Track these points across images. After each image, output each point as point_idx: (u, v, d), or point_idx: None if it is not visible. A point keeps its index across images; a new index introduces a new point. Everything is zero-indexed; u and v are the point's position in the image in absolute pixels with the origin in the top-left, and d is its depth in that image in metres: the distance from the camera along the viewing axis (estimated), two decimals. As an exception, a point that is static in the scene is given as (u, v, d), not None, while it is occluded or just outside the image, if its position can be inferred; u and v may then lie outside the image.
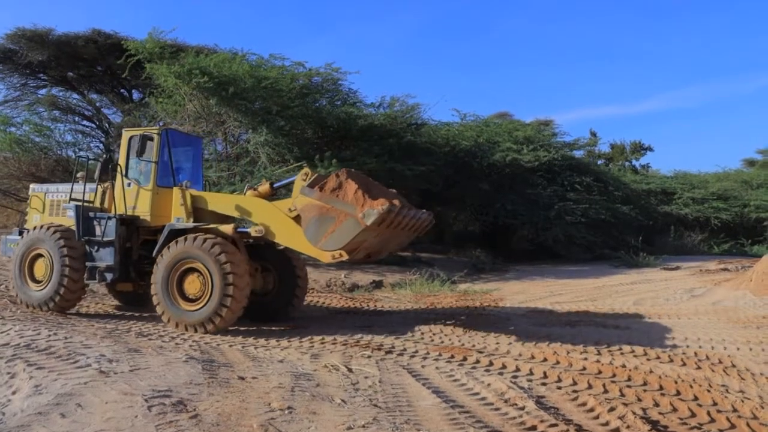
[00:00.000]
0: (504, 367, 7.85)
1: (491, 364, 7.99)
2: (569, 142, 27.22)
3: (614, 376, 7.56)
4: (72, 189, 11.28)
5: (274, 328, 10.52)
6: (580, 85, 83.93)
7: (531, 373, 7.59)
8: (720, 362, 8.44)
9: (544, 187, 23.12)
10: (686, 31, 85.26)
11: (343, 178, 9.47)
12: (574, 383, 7.18)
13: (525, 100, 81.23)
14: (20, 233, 11.78)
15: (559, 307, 12.79)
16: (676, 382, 7.30)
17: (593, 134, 35.85)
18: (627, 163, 34.83)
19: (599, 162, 33.79)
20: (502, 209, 21.99)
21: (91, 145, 26.08)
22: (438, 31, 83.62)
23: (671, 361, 8.42)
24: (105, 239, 10.77)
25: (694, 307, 13.24)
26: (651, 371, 7.81)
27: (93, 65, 26.92)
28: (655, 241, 26.23)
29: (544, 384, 7.17)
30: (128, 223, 10.90)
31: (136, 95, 27.95)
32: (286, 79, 19.65)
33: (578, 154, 29.22)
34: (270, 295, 11.38)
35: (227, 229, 10.22)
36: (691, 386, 7.16)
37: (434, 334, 9.87)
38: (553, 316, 11.81)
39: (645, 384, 7.27)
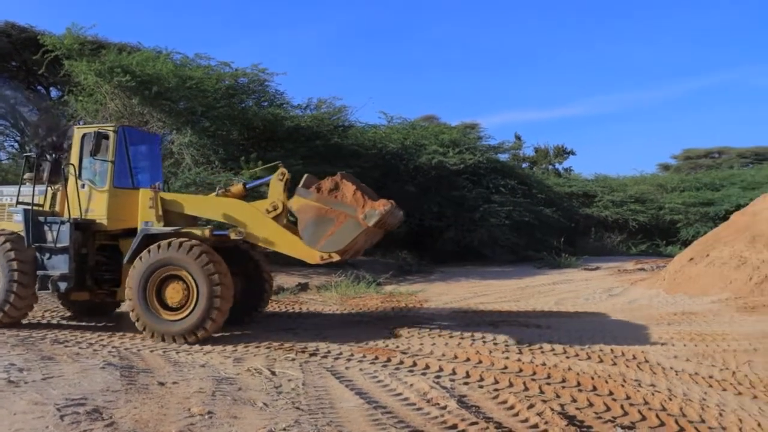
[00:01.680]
0: (427, 367, 7.93)
1: (415, 364, 8.06)
2: (494, 146, 27.78)
3: (534, 374, 7.74)
4: (19, 192, 10.54)
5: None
6: (505, 90, 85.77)
7: (454, 372, 7.69)
8: (634, 358, 8.75)
9: (470, 189, 23.46)
10: (608, 39, 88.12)
11: (338, 179, 9.41)
12: (496, 382, 7.32)
13: (451, 104, 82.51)
14: None
15: (483, 308, 13.00)
16: (592, 378, 7.53)
17: (518, 138, 36.67)
18: (550, 167, 35.70)
19: (523, 165, 34.53)
20: (428, 211, 22.20)
21: (5, 144, 25.05)
22: (364, 34, 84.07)
23: (589, 358, 8.68)
24: (58, 245, 9.99)
25: (612, 305, 13.68)
26: (570, 368, 8.02)
27: (6, 60, 25.76)
28: (577, 243, 26.98)
29: (466, 383, 7.27)
30: (83, 228, 10.16)
31: (54, 93, 26.94)
32: (211, 80, 19.34)
33: (503, 157, 29.80)
34: (236, 299, 10.23)
35: (204, 232, 9.86)
36: (607, 382, 7.40)
37: (359, 336, 9.88)
38: (476, 316, 11.99)
39: (564, 381, 7.46)
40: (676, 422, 6.14)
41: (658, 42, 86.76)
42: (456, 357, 8.50)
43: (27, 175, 10.97)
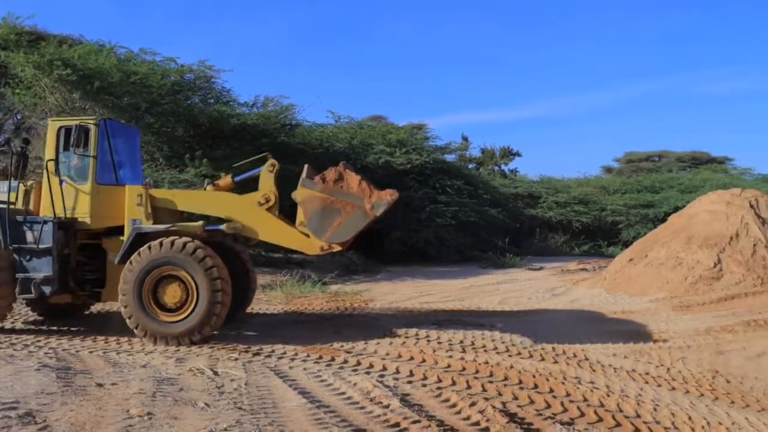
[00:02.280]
0: (371, 366, 7.94)
1: (359, 363, 8.06)
2: (441, 146, 27.94)
3: (477, 372, 7.82)
4: None
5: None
6: (453, 91, 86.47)
7: (397, 371, 7.72)
8: (575, 356, 8.93)
9: (416, 189, 23.56)
10: (555, 42, 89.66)
11: (341, 169, 9.36)
12: (439, 380, 7.37)
13: (399, 104, 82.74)
14: None
15: (428, 307, 13.09)
16: (534, 376, 7.66)
17: (465, 139, 36.98)
18: (496, 168, 36.12)
19: (470, 166, 34.81)
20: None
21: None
22: (313, 32, 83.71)
23: (531, 356, 8.82)
24: (41, 247, 9.41)
25: (555, 305, 13.93)
26: (512, 367, 8.13)
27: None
28: (522, 243, 27.37)
29: (410, 382, 7.31)
30: (65, 227, 9.65)
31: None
32: (156, 75, 18.97)
33: (450, 157, 30.01)
34: None
35: (195, 227, 9.54)
36: (548, 379, 7.54)
37: (303, 335, 9.83)
38: (421, 315, 12.07)
39: (506, 379, 7.57)
40: (613, 417, 6.30)
41: (604, 46, 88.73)
42: (400, 356, 8.53)
43: None
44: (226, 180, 10.30)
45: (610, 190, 32.51)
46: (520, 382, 7.44)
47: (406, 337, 9.76)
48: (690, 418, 6.42)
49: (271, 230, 9.66)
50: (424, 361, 8.31)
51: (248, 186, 10.18)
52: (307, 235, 9.40)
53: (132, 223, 9.55)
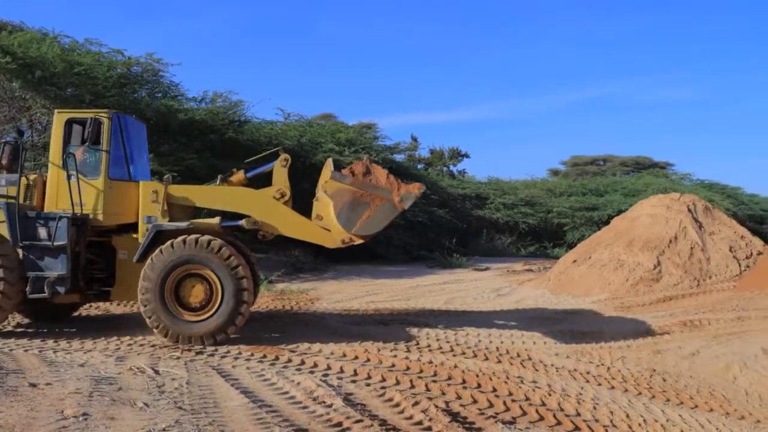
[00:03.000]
0: (315, 365, 7.89)
1: (303, 362, 8.01)
2: (390, 146, 27.96)
3: (421, 371, 7.85)
4: None
5: (79, 329, 9.86)
6: (404, 91, 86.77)
7: (341, 371, 7.69)
8: (518, 356, 9.04)
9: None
10: (507, 45, 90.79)
11: (368, 163, 9.46)
12: (383, 380, 7.37)
13: (350, 103, 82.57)
14: None
15: (374, 306, 13.08)
16: (477, 376, 7.72)
17: (414, 139, 37.11)
18: (445, 168, 36.30)
19: (419, 166, 34.90)
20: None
21: None
22: (264, 29, 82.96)
23: (475, 356, 8.89)
24: (56, 244, 8.98)
25: (500, 305, 14.07)
26: (456, 366, 8.19)
27: None
28: (469, 243, 27.59)
29: (354, 381, 7.29)
30: (78, 224, 9.24)
31: None
32: (102, 67, 18.43)
33: (399, 158, 30.04)
34: None
35: (212, 223, 9.47)
36: (491, 379, 7.61)
37: (247, 334, 9.71)
38: (367, 315, 12.06)
39: (450, 378, 7.61)
40: (554, 416, 6.41)
41: (553, 50, 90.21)
42: (344, 355, 8.50)
43: None
44: (238, 175, 10.21)
45: (556, 193, 33.00)
46: (464, 381, 7.49)
47: (340, 336, 9.74)
48: (628, 416, 6.58)
49: (291, 224, 9.67)
50: (368, 360, 8.30)
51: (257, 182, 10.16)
52: (328, 229, 9.46)
53: (147, 220, 9.35)
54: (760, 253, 16.57)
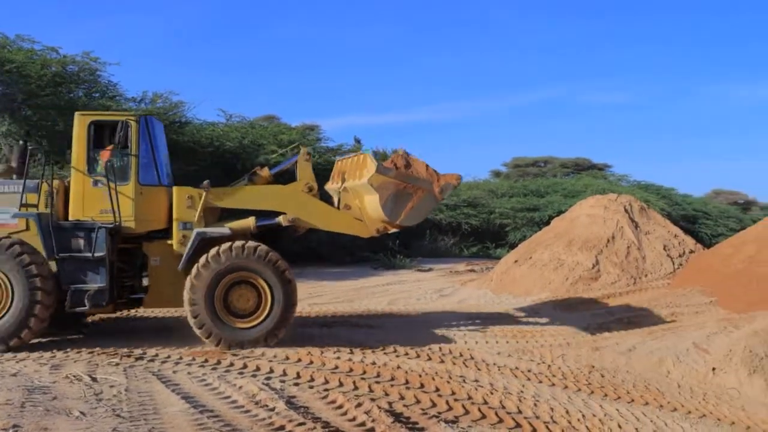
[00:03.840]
0: (258, 369, 7.82)
1: (245, 366, 7.92)
2: (333, 148, 27.77)
3: (364, 373, 7.85)
4: (24, 189, 8.92)
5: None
6: (346, 92, 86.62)
7: (284, 374, 7.64)
8: (461, 355, 9.13)
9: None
10: (447, 47, 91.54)
11: (406, 156, 9.67)
12: (326, 382, 7.35)
13: (293, 104, 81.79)
14: None
15: (318, 309, 13.03)
16: (420, 376, 7.77)
17: (357, 141, 36.90)
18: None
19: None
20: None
21: None
22: (204, 30, 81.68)
23: (418, 356, 8.94)
24: (96, 255, 8.73)
25: (442, 305, 14.19)
26: (399, 367, 8.22)
27: None
28: (412, 245, 27.66)
29: (296, 384, 7.25)
30: (113, 233, 8.96)
31: None
32: (35, 65, 17.85)
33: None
34: None
35: (248, 223, 9.44)
36: (434, 379, 7.67)
37: (189, 338, 9.53)
38: (310, 317, 12.00)
39: (393, 379, 7.64)
40: (496, 414, 6.50)
41: (496, 53, 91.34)
42: (287, 358, 8.44)
43: (0, 167, 9.37)
44: (264, 173, 10.17)
45: (498, 194, 33.38)
46: (407, 381, 7.53)
47: (282, 338, 9.67)
48: (567, 412, 6.72)
49: (326, 217, 9.90)
50: (311, 362, 8.26)
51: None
52: (360, 220, 9.79)
53: (182, 226, 9.21)
54: (692, 252, 17.13)
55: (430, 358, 8.84)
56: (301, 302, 13.76)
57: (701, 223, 31.23)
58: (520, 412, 6.67)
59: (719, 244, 18.76)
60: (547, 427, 6.24)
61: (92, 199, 8.97)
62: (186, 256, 8.98)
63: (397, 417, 6.14)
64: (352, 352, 8.92)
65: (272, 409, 6.14)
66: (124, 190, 9.02)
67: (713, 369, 8.46)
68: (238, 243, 8.96)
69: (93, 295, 8.75)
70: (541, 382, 7.96)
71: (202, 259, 8.83)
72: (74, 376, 7.23)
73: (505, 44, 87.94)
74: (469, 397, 7.05)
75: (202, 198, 9.31)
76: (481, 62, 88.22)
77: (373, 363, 8.35)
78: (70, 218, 9.00)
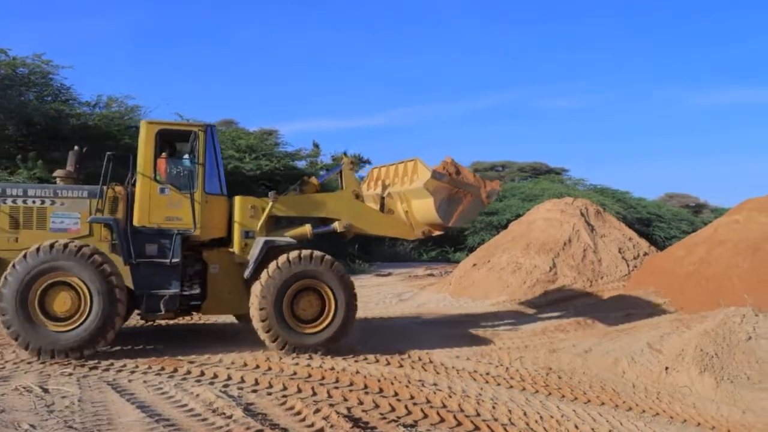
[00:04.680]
0: (215, 376, 7.72)
1: (203, 374, 7.82)
2: (291, 153, 27.75)
3: (323, 378, 7.82)
4: (103, 195, 8.93)
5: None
6: (305, 97, 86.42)
7: (242, 380, 7.56)
8: (420, 359, 9.17)
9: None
10: (405, 51, 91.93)
11: (455, 164, 10.34)
12: (284, 388, 7.30)
13: (251, 109, 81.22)
14: None
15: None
16: (379, 381, 7.77)
17: (316, 145, 36.86)
18: (352, 174, 36.35)
19: (321, 173, 34.85)
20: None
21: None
22: (161, 34, 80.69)
23: (377, 361, 8.94)
24: (173, 261, 8.93)
25: (402, 309, 14.23)
26: (358, 372, 8.21)
27: None
28: (371, 249, 27.68)
29: (254, 391, 7.18)
30: (184, 240, 9.12)
31: None
32: (-18, 67, 17.52)
33: (301, 164, 29.86)
34: None
35: (305, 230, 9.92)
36: (393, 383, 7.68)
37: (145, 347, 9.39)
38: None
39: (352, 384, 7.62)
40: (455, 417, 6.52)
41: (454, 57, 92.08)
42: (246, 364, 8.36)
43: (62, 172, 9.38)
44: (313, 181, 10.49)
45: (457, 198, 33.61)
46: (366, 386, 7.52)
47: (242, 345, 9.59)
48: (525, 414, 6.79)
49: (376, 222, 10.44)
50: (270, 369, 8.20)
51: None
52: (408, 223, 10.43)
53: (245, 235, 9.41)
54: (646, 254, 17.47)
55: (389, 363, 8.86)
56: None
57: (655, 225, 31.85)
58: (478, 414, 6.72)
59: (672, 246, 19.16)
60: (505, 429, 6.29)
61: (158, 206, 9.03)
62: (254, 264, 9.15)
63: (356, 422, 6.13)
64: (311, 358, 8.88)
65: (230, 417, 6.07)
66: (189, 198, 9.13)
67: (666, 368, 8.64)
68: (306, 251, 9.27)
69: (168, 301, 8.93)
70: (499, 384, 8.03)
71: (272, 266, 9.08)
72: (24, 388, 7.01)
73: (462, 49, 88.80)
74: (428, 401, 7.07)
75: (268, 208, 9.54)
76: (439, 67, 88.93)
77: (332, 368, 8.33)
78: (135, 224, 9.00)
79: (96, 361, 8.40)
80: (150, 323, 11.03)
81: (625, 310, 13.15)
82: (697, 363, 8.42)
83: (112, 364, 8.31)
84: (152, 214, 9.00)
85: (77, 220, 8.95)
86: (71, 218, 8.95)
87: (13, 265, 8.26)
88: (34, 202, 8.86)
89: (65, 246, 8.37)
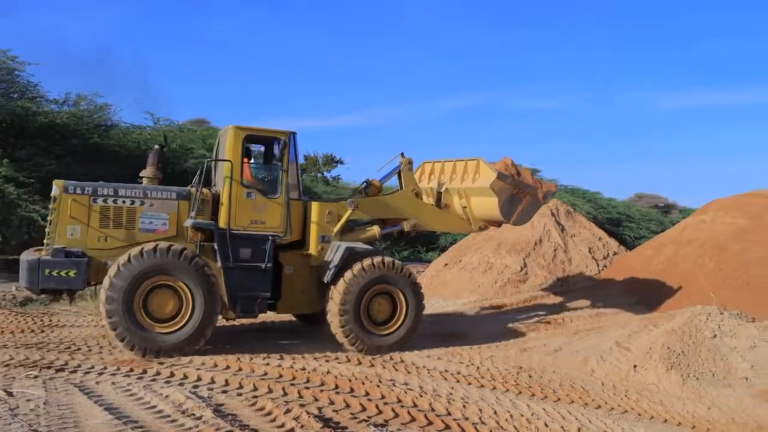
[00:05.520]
0: (185, 377, 7.65)
1: (172, 375, 7.74)
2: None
3: (294, 379, 7.80)
4: (196, 200, 9.13)
5: None
6: (278, 96, 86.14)
7: (213, 381, 7.50)
8: (391, 359, 9.19)
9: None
10: (377, 52, 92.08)
11: (515, 165, 11.00)
12: (255, 389, 7.26)
13: (225, 108, 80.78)
14: (62, 253, 8.57)
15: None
16: (350, 381, 7.76)
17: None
18: (319, 175, 36.26)
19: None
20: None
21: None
22: (133, 32, 79.81)
23: (348, 360, 8.94)
24: (267, 265, 9.26)
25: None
26: (329, 372, 8.19)
27: None
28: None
29: (225, 391, 7.13)
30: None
31: None
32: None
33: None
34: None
35: (374, 232, 10.43)
36: (363, 383, 7.67)
37: (114, 348, 9.25)
38: (240, 323, 11.79)
39: (323, 384, 7.61)
40: (426, 417, 6.53)
41: (429, 60, 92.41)
42: (216, 365, 8.29)
43: (149, 173, 9.64)
44: (376, 183, 10.85)
45: (430, 198, 33.70)
46: (337, 386, 7.51)
47: (211, 345, 9.52)
48: (495, 413, 6.82)
49: (437, 218, 11.13)
50: (240, 369, 8.14)
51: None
52: (463, 218, 11.10)
53: (322, 240, 9.78)
54: (615, 254, 17.68)
55: (360, 363, 8.85)
56: (230, 308, 13.62)
57: (624, 225, 32.22)
58: (449, 414, 6.74)
59: (641, 246, 19.43)
60: (475, 428, 6.32)
61: (244, 210, 9.27)
62: (335, 269, 9.48)
63: (327, 422, 6.12)
64: (282, 358, 8.84)
65: (199, 418, 6.02)
66: (277, 203, 9.45)
67: (634, 366, 8.74)
68: (379, 258, 9.74)
69: (261, 303, 9.33)
70: (470, 383, 8.06)
71: (351, 273, 9.48)
72: (-12, 391, 6.90)
73: (435, 51, 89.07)
74: (399, 401, 7.07)
75: (346, 215, 9.92)
76: (414, 68, 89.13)
77: (303, 369, 8.29)
78: (221, 227, 9.21)
79: (63, 362, 8.28)
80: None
81: (595, 309, 13.30)
82: (665, 361, 8.53)
83: (79, 365, 8.18)
84: (238, 218, 9.23)
85: (165, 221, 9.17)
86: (160, 219, 9.15)
87: (118, 268, 8.38)
88: (124, 202, 9.03)
89: (168, 249, 8.55)
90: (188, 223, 9.10)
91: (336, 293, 9.43)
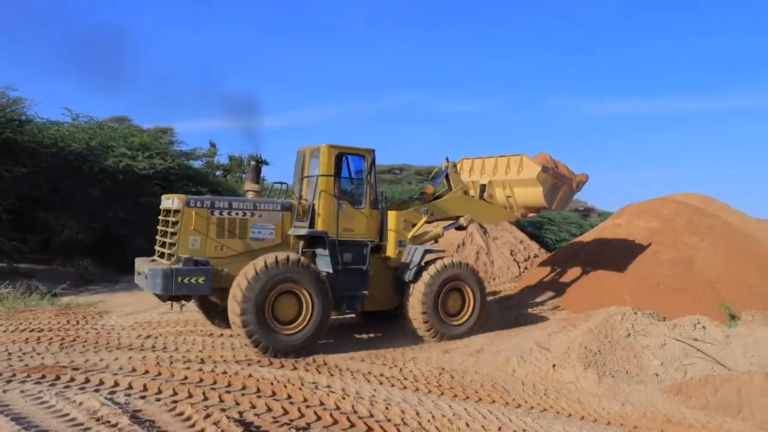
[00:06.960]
0: (101, 383, 7.39)
1: (87, 380, 7.47)
2: (187, 151, 26.85)
3: (215, 383, 7.65)
4: (311, 212, 10.27)
5: None
6: (206, 96, 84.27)
7: (130, 386, 7.28)
8: (313, 362, 9.13)
9: (159, 195, 22.49)
10: (303, 53, 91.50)
11: (552, 159, 12.62)
12: (175, 393, 7.09)
13: (146, 106, 78.60)
14: (192, 262, 9.27)
15: (167, 318, 12.53)
16: (272, 384, 7.67)
17: (212, 145, 36.13)
18: (244, 175, 35.80)
19: (217, 173, 34.07)
20: (115, 217, 20.73)
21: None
22: (51, 24, 76.78)
23: (270, 364, 8.84)
24: (366, 267, 10.51)
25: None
26: (250, 375, 8.07)
27: None
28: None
29: (143, 397, 6.93)
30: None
31: None
32: None
33: (196, 164, 29.04)
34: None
35: (437, 230, 11.84)
36: (285, 386, 7.59)
37: (24, 354, 8.86)
38: (159, 327, 11.52)
39: (244, 388, 7.49)
40: (348, 419, 6.52)
41: (351, 60, 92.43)
42: (134, 370, 8.06)
43: (255, 186, 10.85)
44: (429, 189, 12.48)
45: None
46: (258, 390, 7.41)
47: (130, 349, 9.27)
48: (418, 414, 6.86)
49: (486, 212, 12.74)
50: (159, 374, 7.93)
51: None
52: (507, 207, 12.74)
53: (399, 244, 11.14)
54: (536, 256, 18.11)
55: (282, 366, 8.77)
56: (150, 311, 13.33)
57: (546, 228, 32.93)
58: (372, 416, 6.74)
59: (561, 248, 19.95)
60: (398, 429, 6.35)
61: (338, 220, 10.34)
62: (416, 268, 10.86)
63: (248, 426, 6.03)
64: (202, 362, 8.67)
65: (115, 425, 5.82)
66: (363, 213, 10.68)
67: (553, 366, 8.96)
68: (449, 259, 11.27)
69: (362, 301, 10.55)
70: (393, 385, 8.09)
71: (430, 272, 10.86)
72: None
73: (360, 51, 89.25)
74: (321, 403, 7.04)
75: (420, 223, 11.27)
76: (336, 68, 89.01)
77: (225, 372, 8.15)
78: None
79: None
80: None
81: (516, 310, 13.56)
82: (582, 360, 8.78)
83: (-17, 374, 7.80)
84: (333, 226, 10.27)
85: (272, 230, 10.20)
86: (267, 228, 10.15)
87: (248, 282, 9.11)
88: (237, 213, 9.93)
89: (288, 258, 9.40)
90: (303, 232, 10.09)
91: (417, 290, 10.75)
